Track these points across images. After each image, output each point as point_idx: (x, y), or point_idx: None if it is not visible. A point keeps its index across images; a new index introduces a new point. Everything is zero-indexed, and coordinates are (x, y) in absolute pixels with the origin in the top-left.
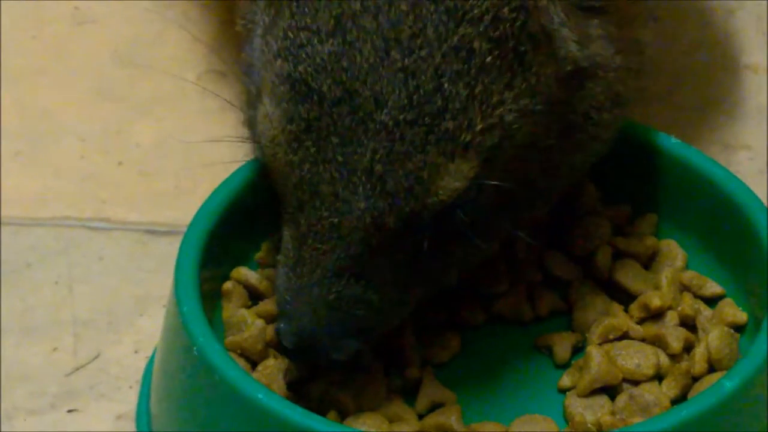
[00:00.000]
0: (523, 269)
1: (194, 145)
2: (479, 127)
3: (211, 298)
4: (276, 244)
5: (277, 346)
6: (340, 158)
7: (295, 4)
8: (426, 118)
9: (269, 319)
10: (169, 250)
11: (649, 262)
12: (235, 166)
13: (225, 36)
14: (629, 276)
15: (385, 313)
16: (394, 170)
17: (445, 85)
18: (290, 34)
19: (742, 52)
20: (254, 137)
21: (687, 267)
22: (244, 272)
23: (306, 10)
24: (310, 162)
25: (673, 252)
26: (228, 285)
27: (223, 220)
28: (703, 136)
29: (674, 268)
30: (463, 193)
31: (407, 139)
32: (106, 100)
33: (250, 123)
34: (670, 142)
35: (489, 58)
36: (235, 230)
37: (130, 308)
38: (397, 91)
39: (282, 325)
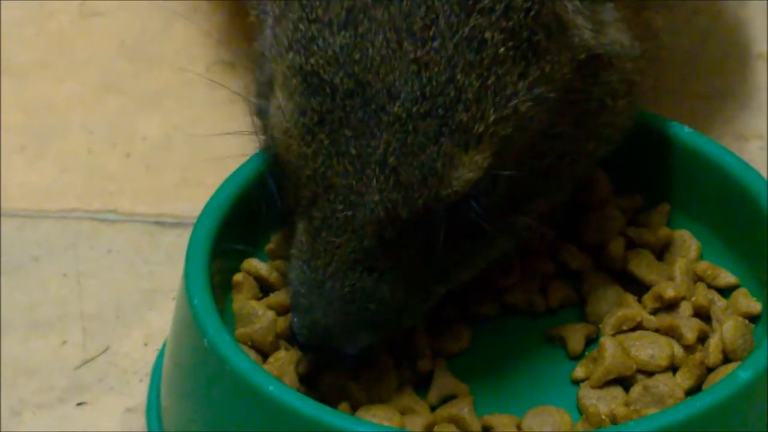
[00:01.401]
0: (536, 261)
1: (202, 137)
2: (493, 117)
3: (221, 290)
4: (286, 236)
5: (288, 338)
6: (353, 151)
7: None
8: (439, 110)
9: (280, 311)
10: (177, 242)
11: (662, 252)
12: (243, 158)
13: (233, 27)
14: (642, 266)
15: (399, 308)
16: (407, 162)
17: (458, 77)
18: (301, 26)
19: (754, 42)
20: (265, 129)
21: (701, 257)
22: (254, 264)
23: (317, 2)
24: (323, 155)
25: (687, 242)
26: (238, 276)
27: (232, 212)
28: (715, 125)
29: (688, 259)
30: (476, 184)
31: (420, 130)
32: (113, 93)
33: (261, 114)
34: (683, 132)
35: (502, 49)
36: (245, 222)
37: (139, 301)
38: (410, 83)
39: (296, 318)
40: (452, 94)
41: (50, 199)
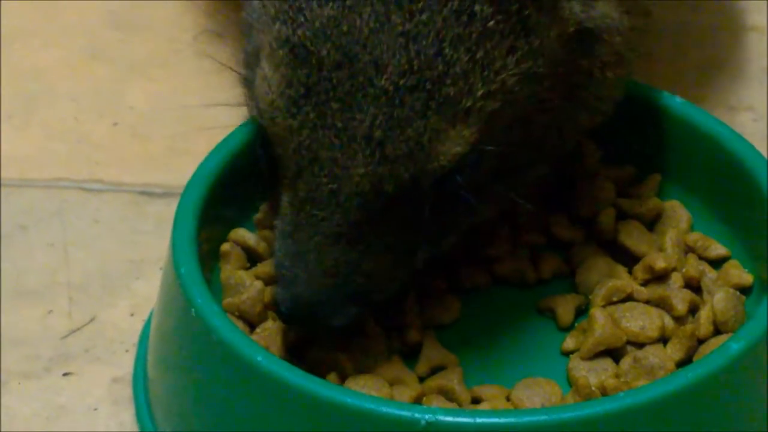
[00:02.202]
0: (526, 232)
1: (189, 107)
2: (481, 92)
3: (208, 260)
4: (273, 207)
5: (275, 309)
6: (339, 124)
7: None
8: (427, 84)
9: (267, 281)
10: (164, 211)
11: (653, 223)
12: (231, 128)
13: None
14: (633, 237)
15: (383, 279)
16: (393, 136)
17: (446, 50)
18: None
19: (747, 14)
20: (252, 99)
21: (692, 228)
22: (242, 233)
23: None
24: (309, 127)
25: (678, 213)
26: (226, 246)
27: (220, 182)
28: (707, 97)
29: (679, 230)
30: (463, 158)
31: (407, 104)
32: (100, 61)
33: (247, 83)
34: (675, 103)
35: (491, 22)
36: (233, 191)
37: (126, 271)
38: (398, 56)
39: (280, 290)
40: (440, 67)
41: (37, 168)
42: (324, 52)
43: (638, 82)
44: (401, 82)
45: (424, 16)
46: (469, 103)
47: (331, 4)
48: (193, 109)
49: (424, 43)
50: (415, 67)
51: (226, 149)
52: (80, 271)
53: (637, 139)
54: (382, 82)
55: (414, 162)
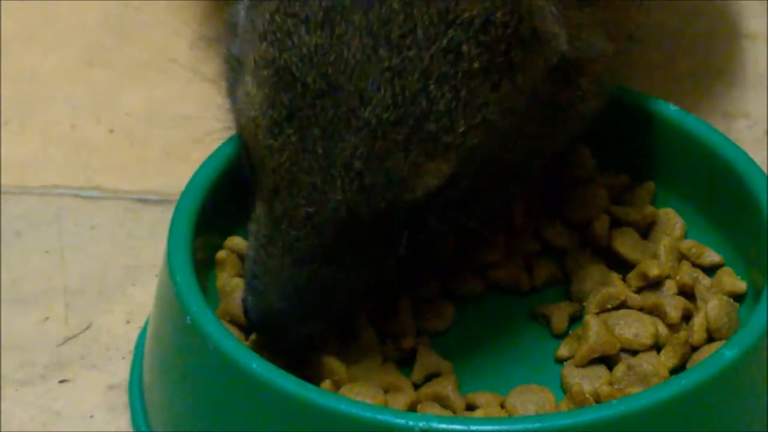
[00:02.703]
0: (520, 239)
1: (185, 113)
2: (462, 129)
3: (204, 267)
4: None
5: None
6: (320, 150)
7: None
8: (410, 120)
9: None
10: (160, 218)
11: (647, 230)
12: (227, 135)
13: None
14: (627, 245)
15: (354, 295)
16: (373, 167)
17: (431, 87)
18: (277, 18)
19: (742, 20)
20: (234, 109)
21: (685, 236)
22: (237, 241)
23: None
24: (289, 150)
25: (672, 220)
26: (222, 254)
27: (216, 189)
28: (702, 104)
29: (672, 237)
30: (438, 188)
31: (389, 138)
32: (96, 67)
33: (229, 89)
34: (669, 110)
35: (476, 63)
36: (229, 199)
37: (122, 277)
38: (383, 90)
39: (250, 299)
40: (424, 104)
41: (33, 174)
42: (309, 79)
43: (632, 89)
44: (384, 115)
45: (411, 53)
46: (449, 140)
47: (319, 32)
48: (190, 115)
49: (409, 79)
50: (399, 102)
51: (222, 156)
52: (76, 277)
53: (631, 147)
54: (366, 114)
55: (391, 192)
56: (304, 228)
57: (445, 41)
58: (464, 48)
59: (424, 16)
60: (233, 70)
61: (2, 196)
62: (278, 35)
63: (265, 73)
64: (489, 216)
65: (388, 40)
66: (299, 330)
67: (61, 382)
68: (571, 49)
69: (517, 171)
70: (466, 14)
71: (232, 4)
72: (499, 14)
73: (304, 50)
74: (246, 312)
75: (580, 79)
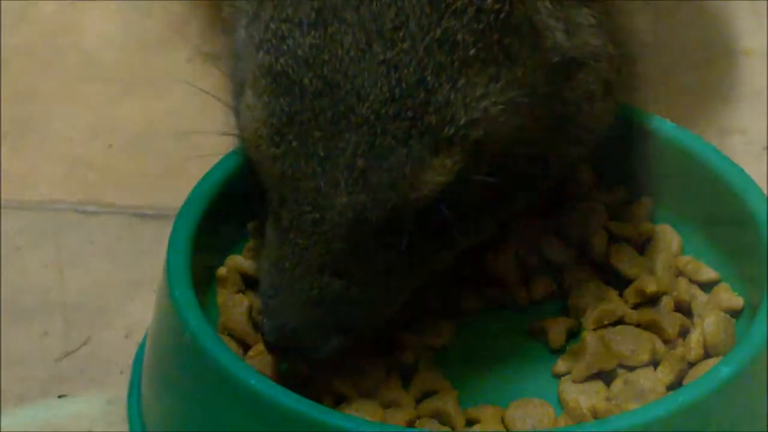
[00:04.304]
0: (518, 254)
1: (184, 128)
2: (463, 120)
3: (203, 282)
4: (260, 231)
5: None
6: (321, 153)
7: None
8: (408, 112)
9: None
10: (159, 233)
11: (644, 246)
12: (226, 150)
13: (215, 17)
14: (624, 261)
15: (370, 309)
16: (376, 164)
17: (428, 78)
18: (272, 25)
19: (738, 37)
20: (238, 127)
21: (682, 252)
22: (238, 260)
23: (288, 1)
24: (291, 156)
25: (669, 237)
26: (222, 271)
27: (215, 204)
28: (698, 120)
29: (669, 253)
30: (447, 188)
31: (389, 132)
32: (95, 82)
33: (235, 113)
34: (666, 126)
35: (472, 51)
36: (228, 214)
37: (121, 292)
38: (379, 85)
39: (265, 320)
40: (422, 96)
41: (32, 189)
42: (306, 81)
43: (629, 105)
44: (383, 110)
45: (405, 45)
46: (451, 132)
47: (313, 32)
48: (189, 130)
49: (405, 71)
50: (397, 96)
51: (222, 171)
52: (75, 292)
53: (628, 163)
54: (364, 110)
55: (397, 191)
56: (312, 236)
57: (439, 31)
58: (459, 37)
59: (415, 8)
60: (236, 95)
61: (1, 210)
62: (273, 42)
63: (264, 81)
64: (496, 227)
65: (381, 34)
66: (317, 349)
67: (60, 396)
68: (571, 47)
69: (528, 178)
70: (459, 3)
71: (228, 25)
72: (490, 1)
73: (299, 52)
74: (262, 334)
75: (585, 77)
